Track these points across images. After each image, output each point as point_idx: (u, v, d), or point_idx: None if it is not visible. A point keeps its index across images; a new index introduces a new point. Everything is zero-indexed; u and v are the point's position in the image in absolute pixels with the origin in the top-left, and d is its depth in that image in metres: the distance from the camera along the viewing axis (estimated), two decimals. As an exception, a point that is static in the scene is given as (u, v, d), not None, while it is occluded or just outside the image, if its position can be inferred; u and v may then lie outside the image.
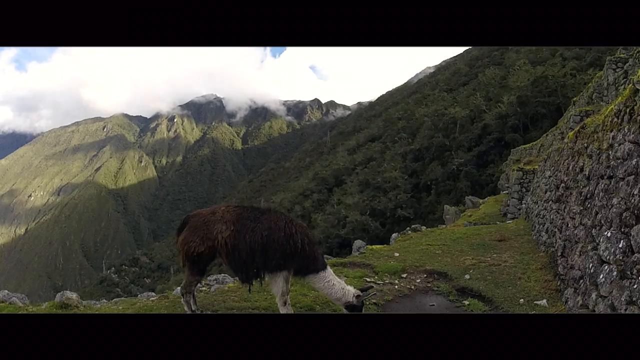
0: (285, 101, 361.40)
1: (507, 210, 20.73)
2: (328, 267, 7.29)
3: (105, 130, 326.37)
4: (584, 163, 7.99)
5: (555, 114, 55.46)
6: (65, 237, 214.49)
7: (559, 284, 8.25)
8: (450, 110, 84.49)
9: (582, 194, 7.55)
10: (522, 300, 8.08)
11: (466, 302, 8.27)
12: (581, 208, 7.47)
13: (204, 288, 9.32)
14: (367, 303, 7.83)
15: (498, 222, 18.14)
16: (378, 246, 13.70)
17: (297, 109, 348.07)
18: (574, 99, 28.80)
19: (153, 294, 9.94)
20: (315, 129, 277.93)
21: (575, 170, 8.58)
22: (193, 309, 7.41)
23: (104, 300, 9.00)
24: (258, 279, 7.26)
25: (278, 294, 7.17)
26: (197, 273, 7.34)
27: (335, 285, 7.13)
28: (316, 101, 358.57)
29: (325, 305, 8.24)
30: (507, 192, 21.46)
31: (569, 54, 71.71)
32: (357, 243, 16.21)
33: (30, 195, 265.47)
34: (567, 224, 8.28)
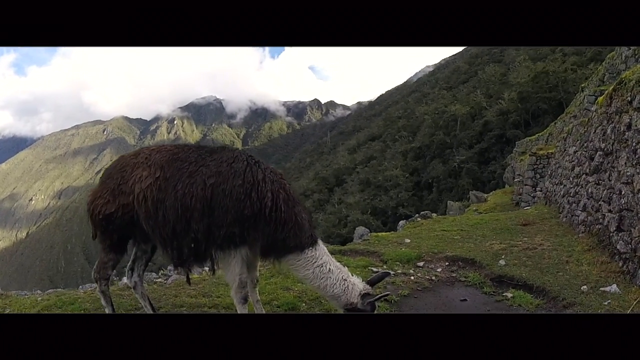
0: (285, 102, 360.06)
1: (520, 198, 19.77)
2: (320, 243, 4.79)
3: (105, 133, 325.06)
4: (630, 119, 7.04)
5: (557, 109, 54.94)
6: (67, 240, 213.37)
7: (622, 265, 6.82)
8: (450, 108, 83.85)
9: (638, 151, 6.59)
10: (584, 287, 6.37)
11: (509, 295, 6.52)
12: (640, 167, 6.40)
13: (159, 279, 7.52)
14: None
15: (510, 212, 16.92)
16: (384, 233, 12.30)
17: (297, 110, 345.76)
18: (582, 85, 28.24)
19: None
20: (315, 129, 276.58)
21: (619, 130, 7.61)
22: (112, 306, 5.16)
23: (38, 291, 7.29)
24: (203, 260, 4.74)
25: (233, 284, 4.65)
26: (112, 249, 5.00)
27: (332, 273, 4.66)
28: (316, 101, 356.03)
29: (315, 302, 6.12)
30: (518, 179, 20.72)
31: (569, 50, 71.24)
32: (360, 230, 14.86)
33: (31, 199, 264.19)
34: (620, 192, 7.16)
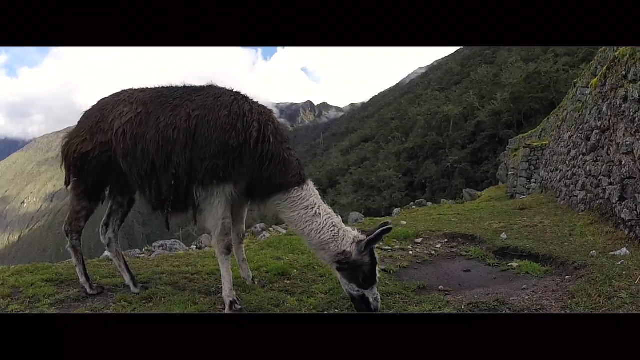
0: (278, 104, 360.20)
1: (514, 190, 19.49)
2: (309, 184, 4.35)
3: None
4: (626, 92, 7.04)
5: (549, 109, 55.12)
6: (59, 243, 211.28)
7: (628, 232, 6.63)
8: (443, 109, 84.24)
9: (636, 119, 6.59)
10: (593, 252, 6.07)
11: (514, 264, 6.14)
12: (640, 134, 6.40)
13: (142, 255, 7.24)
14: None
15: (507, 201, 16.87)
16: (379, 218, 12.18)
17: (289, 111, 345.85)
18: (575, 80, 28.17)
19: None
20: (308, 131, 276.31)
21: (615, 105, 7.61)
22: (82, 268, 4.73)
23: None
24: (184, 203, 4.31)
25: (215, 229, 4.24)
26: (86, 195, 4.60)
27: (320, 217, 4.17)
28: (309, 103, 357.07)
29: (307, 268, 5.82)
30: (512, 173, 20.50)
31: (561, 51, 71.51)
32: (354, 215, 14.75)
33: (23, 202, 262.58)
34: (620, 162, 7.15)
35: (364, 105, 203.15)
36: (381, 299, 4.19)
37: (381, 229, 4.10)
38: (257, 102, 4.43)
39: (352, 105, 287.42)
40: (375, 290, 4.09)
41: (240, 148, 4.10)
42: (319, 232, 4.12)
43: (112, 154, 4.40)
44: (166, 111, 4.26)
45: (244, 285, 4.93)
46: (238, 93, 4.43)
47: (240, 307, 4.18)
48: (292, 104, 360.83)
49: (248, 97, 4.41)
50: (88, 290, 4.68)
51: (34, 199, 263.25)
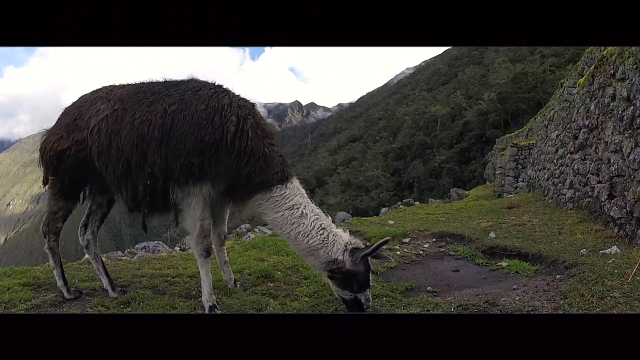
0: (266, 104, 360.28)
1: (502, 190, 19.52)
2: (294, 182, 4.10)
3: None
4: (614, 90, 7.05)
5: (536, 109, 55.51)
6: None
7: (617, 230, 6.53)
8: (430, 109, 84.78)
9: (625, 117, 6.52)
10: (583, 250, 5.92)
11: (504, 264, 5.99)
12: (629, 131, 6.39)
13: (125, 257, 7.02)
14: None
15: (494, 200, 16.80)
16: (366, 217, 12.06)
17: (277, 111, 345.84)
18: (562, 81, 28.28)
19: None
20: (296, 131, 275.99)
21: (603, 103, 7.60)
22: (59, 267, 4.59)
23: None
24: (162, 204, 4.12)
25: (194, 231, 4.04)
26: (63, 194, 4.44)
27: (306, 218, 3.92)
28: (297, 103, 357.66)
29: (292, 270, 5.66)
30: (500, 172, 20.53)
31: (548, 51, 72.17)
32: (341, 215, 14.81)
33: (8, 204, 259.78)
34: (609, 160, 7.09)
35: (351, 106, 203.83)
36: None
37: (379, 243, 3.90)
38: (238, 96, 4.20)
39: (339, 105, 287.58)
40: (368, 291, 3.94)
41: (217, 144, 3.87)
42: (307, 236, 3.89)
43: (87, 153, 4.24)
44: (142, 107, 4.06)
45: (225, 289, 4.77)
46: (219, 86, 4.22)
47: (220, 311, 4.02)
48: (280, 104, 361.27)
49: (229, 91, 4.19)
50: (65, 294, 4.53)
51: (20, 201, 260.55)
